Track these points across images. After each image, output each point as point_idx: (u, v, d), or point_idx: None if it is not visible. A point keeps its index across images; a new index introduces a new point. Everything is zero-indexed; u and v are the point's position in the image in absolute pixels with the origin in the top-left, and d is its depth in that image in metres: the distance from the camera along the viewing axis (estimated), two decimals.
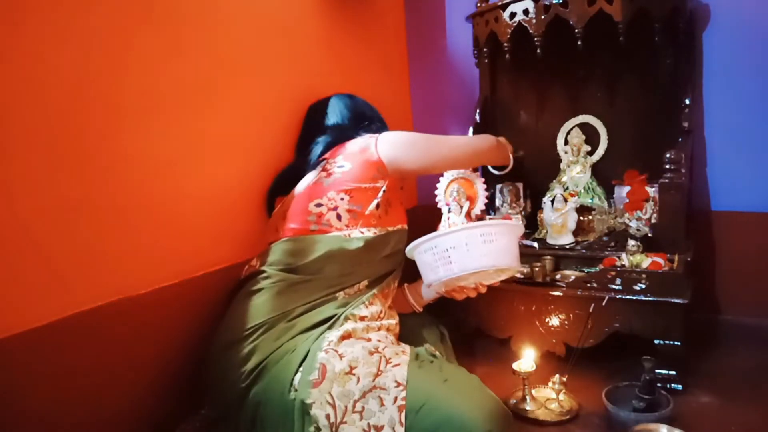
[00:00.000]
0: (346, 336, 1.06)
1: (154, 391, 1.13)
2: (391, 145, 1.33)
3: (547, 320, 1.53)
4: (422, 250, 1.16)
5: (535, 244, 1.73)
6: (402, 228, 1.36)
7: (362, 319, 1.16)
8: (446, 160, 1.48)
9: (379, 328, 1.16)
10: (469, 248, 1.09)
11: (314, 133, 1.46)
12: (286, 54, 1.54)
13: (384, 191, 1.29)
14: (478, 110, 2.07)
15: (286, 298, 1.13)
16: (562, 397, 1.37)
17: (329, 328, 1.09)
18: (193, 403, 1.17)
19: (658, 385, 1.31)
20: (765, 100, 1.74)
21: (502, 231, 1.13)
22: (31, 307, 0.91)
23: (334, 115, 1.51)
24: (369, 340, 1.06)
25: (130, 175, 1.08)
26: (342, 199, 1.23)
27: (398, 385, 0.92)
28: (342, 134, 1.43)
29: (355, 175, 1.27)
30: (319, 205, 1.23)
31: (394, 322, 1.25)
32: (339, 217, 1.22)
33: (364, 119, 1.52)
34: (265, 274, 1.17)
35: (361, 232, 1.23)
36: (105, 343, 1.03)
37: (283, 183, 1.39)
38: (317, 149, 1.39)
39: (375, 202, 1.26)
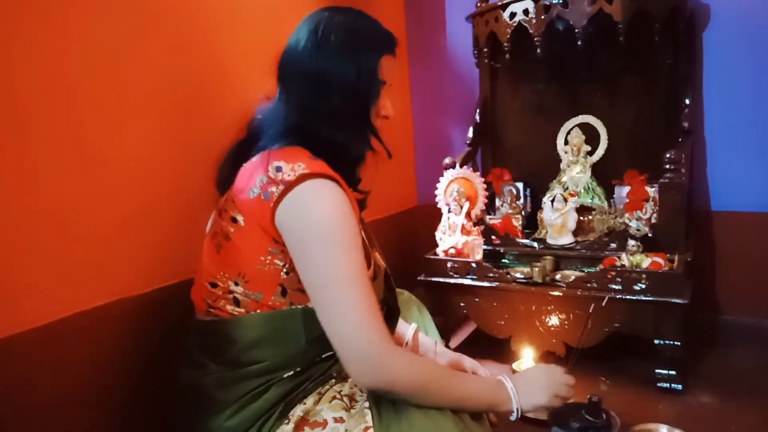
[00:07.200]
0: (299, 426, 0.85)
1: (154, 392, 1.13)
2: (293, 216, 0.83)
3: (546, 320, 1.53)
4: None
5: (535, 244, 1.73)
6: None
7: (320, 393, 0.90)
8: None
9: (333, 384, 0.92)
10: None
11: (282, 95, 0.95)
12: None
13: (287, 273, 0.87)
14: (478, 110, 2.07)
15: (223, 392, 0.87)
16: None
17: (278, 417, 0.85)
18: None
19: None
20: (765, 100, 1.74)
21: None
22: (30, 307, 0.92)
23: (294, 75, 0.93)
24: (325, 424, 0.85)
25: (130, 176, 1.09)
26: (236, 284, 0.88)
27: None
28: (283, 136, 0.90)
29: (245, 246, 0.87)
30: (214, 285, 0.90)
31: None
32: (237, 301, 0.89)
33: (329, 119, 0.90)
34: (194, 360, 0.93)
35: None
36: (104, 342, 1.03)
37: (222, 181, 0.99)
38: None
39: (279, 289, 0.88)
